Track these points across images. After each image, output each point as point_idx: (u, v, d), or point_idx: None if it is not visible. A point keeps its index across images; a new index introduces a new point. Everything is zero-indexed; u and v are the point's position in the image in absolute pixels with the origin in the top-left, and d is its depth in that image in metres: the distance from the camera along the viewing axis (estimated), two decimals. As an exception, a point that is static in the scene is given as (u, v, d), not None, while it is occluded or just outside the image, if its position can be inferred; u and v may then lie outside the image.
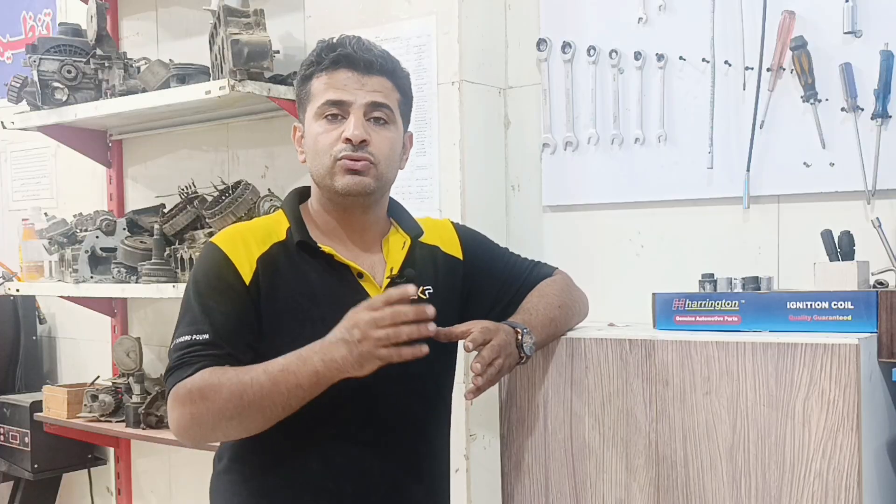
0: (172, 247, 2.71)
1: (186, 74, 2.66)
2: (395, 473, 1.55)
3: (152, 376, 2.97)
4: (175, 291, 2.57)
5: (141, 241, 2.82)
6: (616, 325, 1.81)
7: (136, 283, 2.74)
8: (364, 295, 1.52)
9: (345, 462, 1.50)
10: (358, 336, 1.33)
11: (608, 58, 2.15)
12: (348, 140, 1.48)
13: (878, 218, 1.76)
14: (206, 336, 1.44)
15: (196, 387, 1.40)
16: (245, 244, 1.50)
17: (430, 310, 1.35)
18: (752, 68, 1.95)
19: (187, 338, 1.45)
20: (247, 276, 1.47)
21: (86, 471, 3.34)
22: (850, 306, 1.52)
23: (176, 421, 1.44)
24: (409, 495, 1.57)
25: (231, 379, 1.39)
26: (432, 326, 1.34)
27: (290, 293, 1.49)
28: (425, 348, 1.35)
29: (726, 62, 1.99)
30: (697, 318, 1.63)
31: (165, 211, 2.89)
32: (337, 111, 1.50)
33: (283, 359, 1.39)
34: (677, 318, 1.65)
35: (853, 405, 1.42)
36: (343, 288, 1.52)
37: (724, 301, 1.61)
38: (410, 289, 1.35)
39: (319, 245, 1.52)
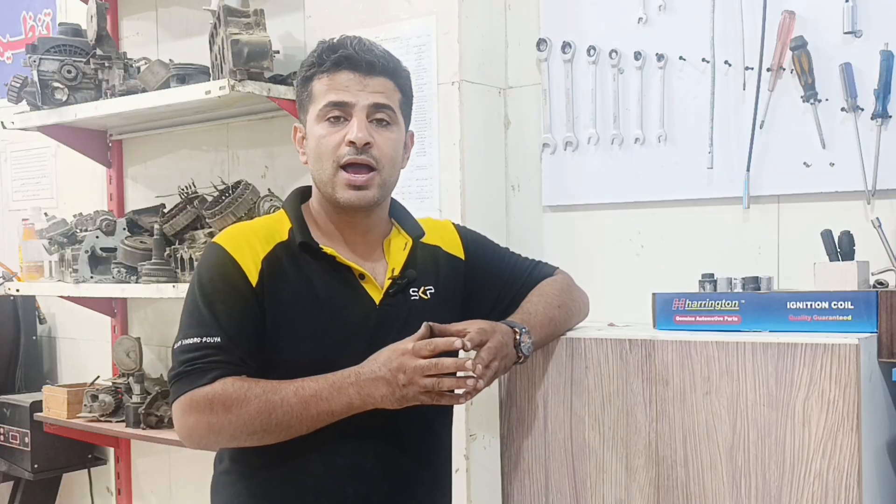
0: (172, 247, 2.71)
1: (186, 74, 2.65)
2: (398, 471, 1.55)
3: (152, 376, 2.98)
4: (175, 291, 2.57)
5: (141, 241, 2.82)
6: (616, 325, 1.81)
7: (136, 283, 2.74)
8: (365, 296, 1.52)
9: (346, 463, 1.50)
10: (403, 381, 1.39)
11: (608, 58, 2.15)
12: (352, 143, 1.48)
13: (878, 218, 1.76)
14: (218, 339, 1.43)
15: (218, 397, 1.39)
16: (250, 245, 1.49)
17: (469, 363, 1.41)
18: (752, 68, 1.95)
19: (196, 340, 1.43)
20: (253, 278, 1.47)
21: (86, 471, 3.34)
22: (850, 306, 1.51)
23: (189, 427, 1.42)
24: (413, 494, 1.57)
25: (259, 396, 1.40)
26: (471, 381, 1.41)
27: (293, 294, 1.49)
28: (462, 399, 1.43)
29: (726, 62, 1.99)
30: (697, 318, 1.63)
31: (165, 211, 2.89)
32: (339, 113, 1.50)
33: (313, 383, 1.41)
34: (677, 318, 1.65)
35: (853, 405, 1.41)
36: (344, 289, 1.52)
37: (724, 301, 1.61)
38: (457, 342, 1.40)
39: (321, 246, 1.52)
